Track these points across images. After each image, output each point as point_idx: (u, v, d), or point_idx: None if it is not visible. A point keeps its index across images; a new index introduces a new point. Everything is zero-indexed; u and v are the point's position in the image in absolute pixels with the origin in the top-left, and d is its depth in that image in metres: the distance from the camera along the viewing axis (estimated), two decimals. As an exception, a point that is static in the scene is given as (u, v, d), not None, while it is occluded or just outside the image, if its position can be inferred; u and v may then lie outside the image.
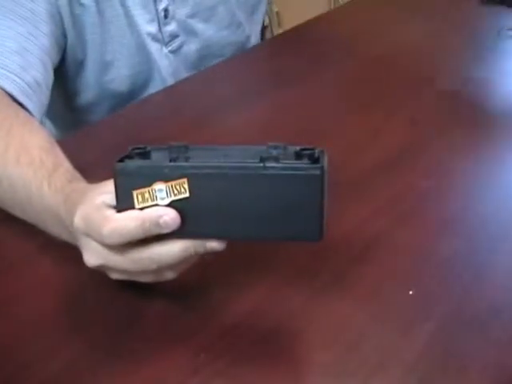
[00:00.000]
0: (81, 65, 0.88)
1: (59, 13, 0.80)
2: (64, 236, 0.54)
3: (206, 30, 0.93)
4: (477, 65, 0.98)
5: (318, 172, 0.45)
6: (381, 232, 0.61)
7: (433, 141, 0.76)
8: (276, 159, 0.45)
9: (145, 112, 0.85)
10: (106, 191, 0.48)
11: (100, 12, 0.83)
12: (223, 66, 0.95)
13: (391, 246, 0.60)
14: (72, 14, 0.81)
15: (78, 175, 0.58)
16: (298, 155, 0.46)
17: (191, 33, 0.92)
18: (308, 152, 0.46)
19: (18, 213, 0.60)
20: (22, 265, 0.58)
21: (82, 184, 0.55)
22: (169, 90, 0.91)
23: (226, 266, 0.57)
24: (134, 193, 0.46)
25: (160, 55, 0.90)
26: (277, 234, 0.47)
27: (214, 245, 0.47)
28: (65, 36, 0.83)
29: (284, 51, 0.95)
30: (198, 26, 0.91)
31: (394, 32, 1.03)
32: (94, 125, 0.87)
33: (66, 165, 0.59)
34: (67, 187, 0.54)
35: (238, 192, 0.46)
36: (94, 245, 0.48)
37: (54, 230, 0.56)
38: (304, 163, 0.45)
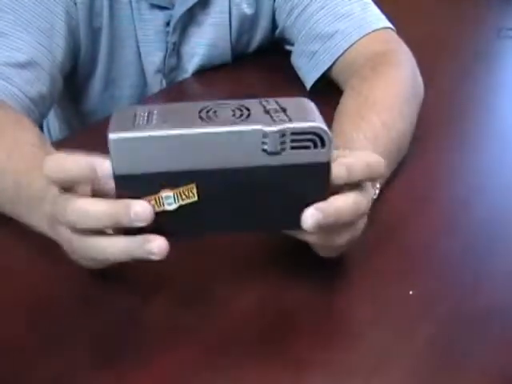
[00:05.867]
0: (89, 76, 0.89)
1: (78, 26, 0.81)
2: (44, 228, 0.53)
3: (199, 67, 0.94)
4: (477, 65, 0.98)
5: (326, 159, 0.45)
6: (381, 232, 0.61)
7: (432, 141, 0.76)
8: (282, 148, 0.44)
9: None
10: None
11: (111, 30, 0.84)
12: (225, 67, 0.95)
13: (391, 245, 0.60)
14: (90, 27, 0.82)
15: None
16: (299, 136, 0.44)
17: (184, 69, 0.93)
18: (310, 136, 0.44)
19: (6, 209, 0.60)
20: (22, 263, 0.58)
21: None
22: (169, 89, 0.91)
23: (224, 265, 0.57)
24: None
25: (158, 85, 0.91)
26: (283, 222, 0.48)
27: (154, 246, 0.44)
28: (79, 49, 0.84)
29: (282, 51, 0.95)
30: (194, 63, 0.93)
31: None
32: (94, 124, 0.87)
33: None
34: None
35: (245, 187, 0.45)
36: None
37: (36, 221, 0.55)
38: (312, 152, 0.44)
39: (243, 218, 0.47)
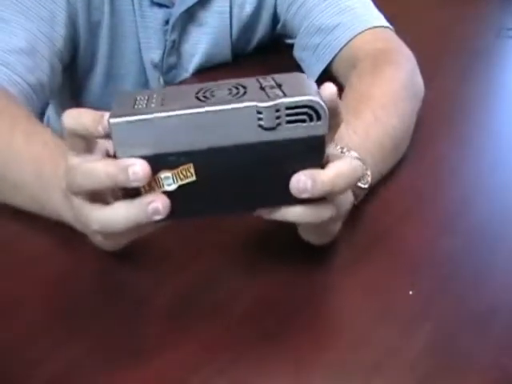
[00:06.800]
0: (90, 72, 0.89)
1: (77, 17, 0.81)
2: (64, 214, 0.54)
3: (199, 66, 0.94)
4: (477, 65, 0.98)
5: (322, 132, 0.45)
6: (381, 232, 0.61)
7: (432, 140, 0.76)
8: (278, 123, 0.44)
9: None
10: None
11: (112, 26, 0.85)
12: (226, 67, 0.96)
13: (391, 245, 0.60)
14: (88, 21, 0.82)
15: None
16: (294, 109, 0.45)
17: (184, 68, 0.93)
18: (305, 110, 0.45)
19: (18, 196, 0.60)
20: (22, 266, 0.58)
21: None
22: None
23: (225, 264, 0.57)
24: None
25: (157, 83, 0.92)
26: (283, 198, 0.47)
27: (156, 205, 0.45)
28: (79, 41, 0.84)
29: (284, 49, 0.95)
30: (194, 61, 0.93)
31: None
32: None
33: None
34: None
35: (243, 164, 0.46)
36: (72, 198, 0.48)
37: (57, 206, 0.55)
38: (307, 125, 0.45)
39: (242, 197, 0.48)
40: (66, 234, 0.55)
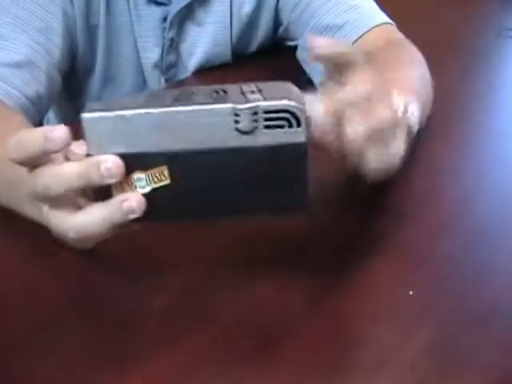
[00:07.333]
0: (88, 74, 0.89)
1: (75, 25, 0.81)
2: (29, 211, 0.53)
3: (199, 66, 0.94)
4: (477, 65, 0.98)
5: (303, 139, 0.44)
6: (381, 232, 0.61)
7: (433, 140, 0.76)
8: (255, 127, 0.43)
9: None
10: None
11: (108, 27, 0.85)
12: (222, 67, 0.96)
13: (391, 245, 0.60)
14: (87, 24, 0.83)
15: None
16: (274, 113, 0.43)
17: (184, 66, 0.93)
18: (284, 115, 0.43)
19: None
20: (22, 265, 0.58)
21: None
22: (168, 88, 0.91)
23: (226, 265, 0.57)
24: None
25: (157, 82, 0.91)
26: (263, 208, 0.46)
27: (130, 203, 0.43)
28: (77, 48, 0.84)
29: (286, 50, 0.95)
30: (193, 61, 0.93)
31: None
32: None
33: None
34: None
35: (220, 170, 0.44)
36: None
37: (24, 204, 0.53)
38: (286, 131, 0.43)
39: (220, 204, 0.46)
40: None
